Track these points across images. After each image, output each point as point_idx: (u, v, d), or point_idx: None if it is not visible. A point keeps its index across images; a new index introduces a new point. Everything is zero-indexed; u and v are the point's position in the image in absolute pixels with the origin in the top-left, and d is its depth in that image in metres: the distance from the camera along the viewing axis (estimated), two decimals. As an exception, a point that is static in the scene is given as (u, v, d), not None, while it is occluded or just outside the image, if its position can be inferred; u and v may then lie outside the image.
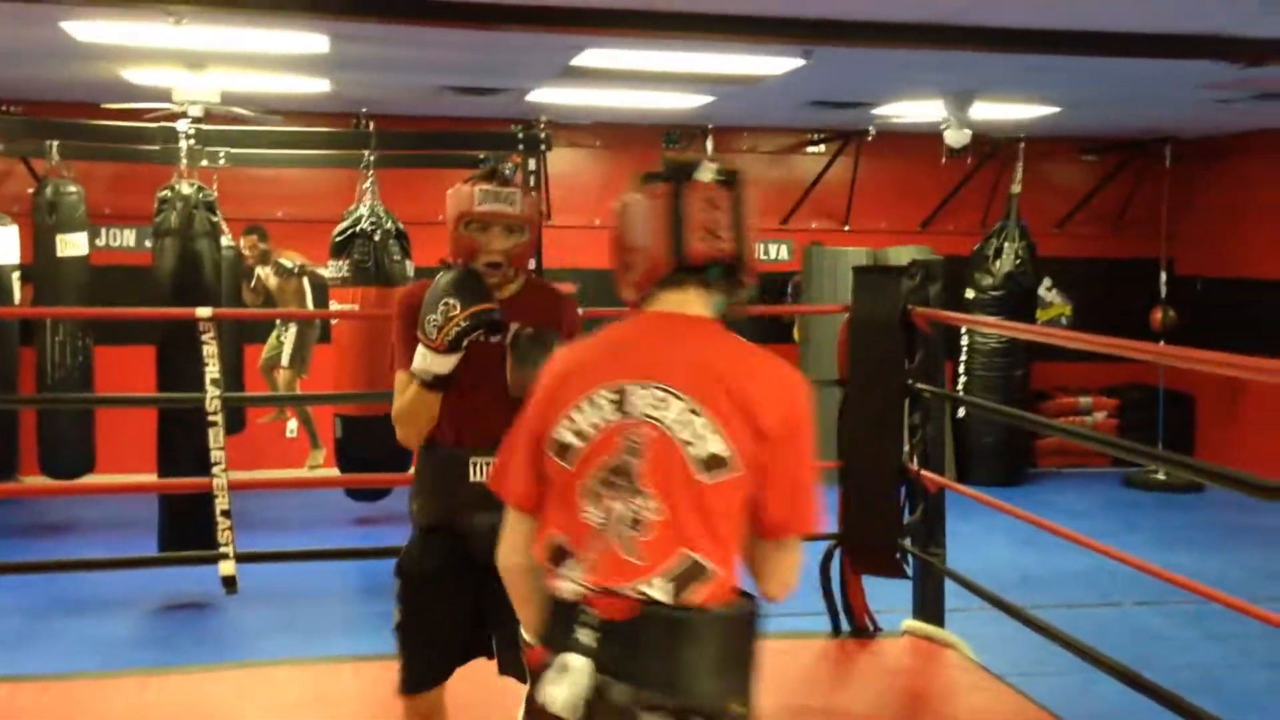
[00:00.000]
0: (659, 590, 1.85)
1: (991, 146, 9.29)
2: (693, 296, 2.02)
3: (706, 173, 2.02)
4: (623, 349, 1.99)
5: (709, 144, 9.35)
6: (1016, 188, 9.32)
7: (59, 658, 5.17)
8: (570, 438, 1.92)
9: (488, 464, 2.52)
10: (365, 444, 6.60)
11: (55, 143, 6.72)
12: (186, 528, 5.86)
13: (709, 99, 7.89)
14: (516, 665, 2.48)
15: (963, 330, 9.19)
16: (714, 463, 1.88)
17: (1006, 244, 9.24)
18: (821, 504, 2.05)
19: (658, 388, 1.91)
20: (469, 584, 2.77)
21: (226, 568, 4.35)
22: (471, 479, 2.76)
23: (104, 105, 7.23)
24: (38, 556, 6.63)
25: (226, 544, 4.36)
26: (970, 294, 9.23)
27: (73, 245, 6.88)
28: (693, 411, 1.89)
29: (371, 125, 8.56)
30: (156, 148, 6.37)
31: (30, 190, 7.29)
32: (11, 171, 8.38)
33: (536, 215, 2.94)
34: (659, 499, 1.87)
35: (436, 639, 2.82)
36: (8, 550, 6.95)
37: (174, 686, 4.16)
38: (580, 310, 4.25)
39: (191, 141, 6.07)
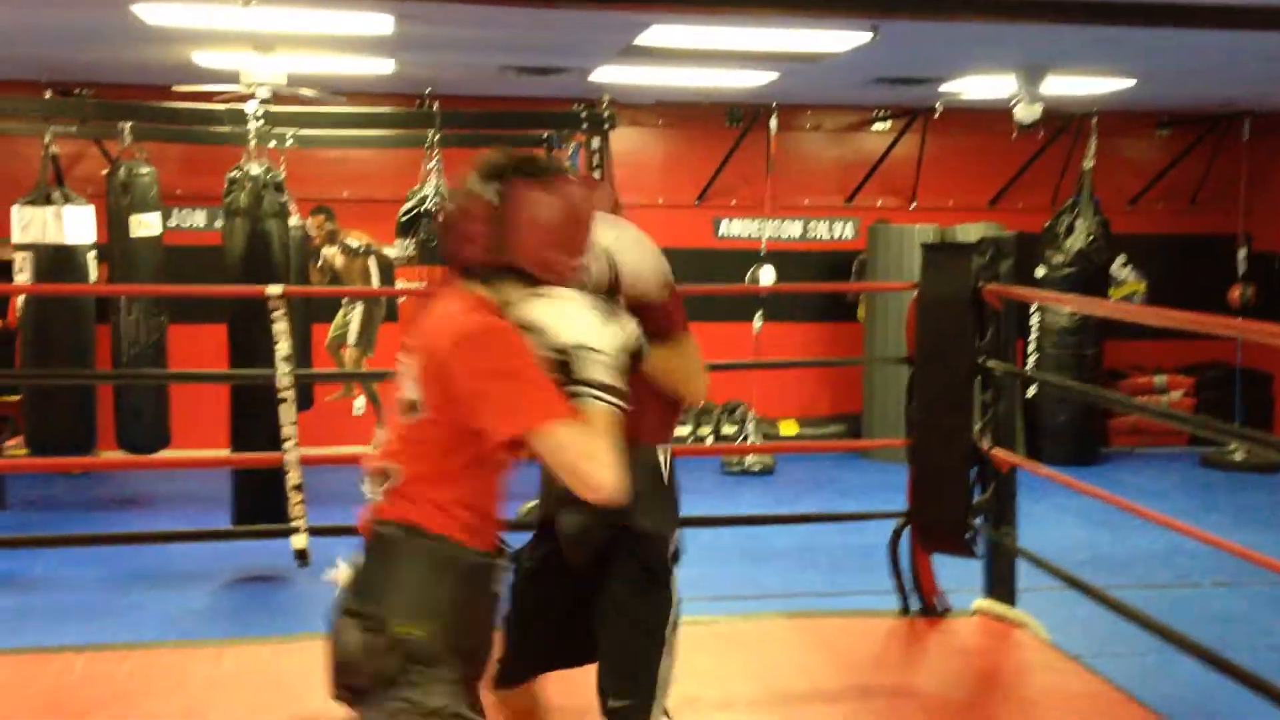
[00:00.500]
0: (376, 510, 2.18)
1: (1063, 121, 9.12)
2: (473, 286, 2.21)
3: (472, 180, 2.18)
4: (420, 323, 2.26)
5: (773, 122, 9.28)
6: (1089, 163, 9.15)
7: (137, 628, 5.28)
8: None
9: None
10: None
11: (128, 125, 6.82)
12: (259, 502, 5.95)
13: (773, 76, 7.83)
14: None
15: (1033, 309, 9.05)
16: (409, 407, 2.17)
17: (1079, 221, 9.08)
18: (543, 395, 2.07)
19: (410, 349, 2.21)
20: (567, 586, 2.69)
21: (299, 541, 4.39)
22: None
23: (174, 88, 7.33)
24: (115, 530, 6.77)
25: (298, 518, 4.41)
26: (1041, 272, 9.08)
27: (146, 225, 6.99)
28: (412, 363, 2.17)
29: (436, 105, 8.61)
30: (226, 129, 6.44)
31: (104, 172, 7.41)
32: (85, 154, 8.53)
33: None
34: (390, 433, 2.23)
35: (527, 636, 2.72)
36: (87, 523, 7.12)
37: (249, 657, 4.23)
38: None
39: (260, 123, 6.13)
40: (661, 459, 2.68)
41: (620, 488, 2.06)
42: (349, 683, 2.12)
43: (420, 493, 2.14)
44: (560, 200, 2.16)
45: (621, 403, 2.15)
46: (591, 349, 2.15)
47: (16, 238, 6.77)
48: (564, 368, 2.15)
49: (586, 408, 2.11)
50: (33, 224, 6.73)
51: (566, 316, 2.17)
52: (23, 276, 6.75)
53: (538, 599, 2.73)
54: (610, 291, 2.43)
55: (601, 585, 2.62)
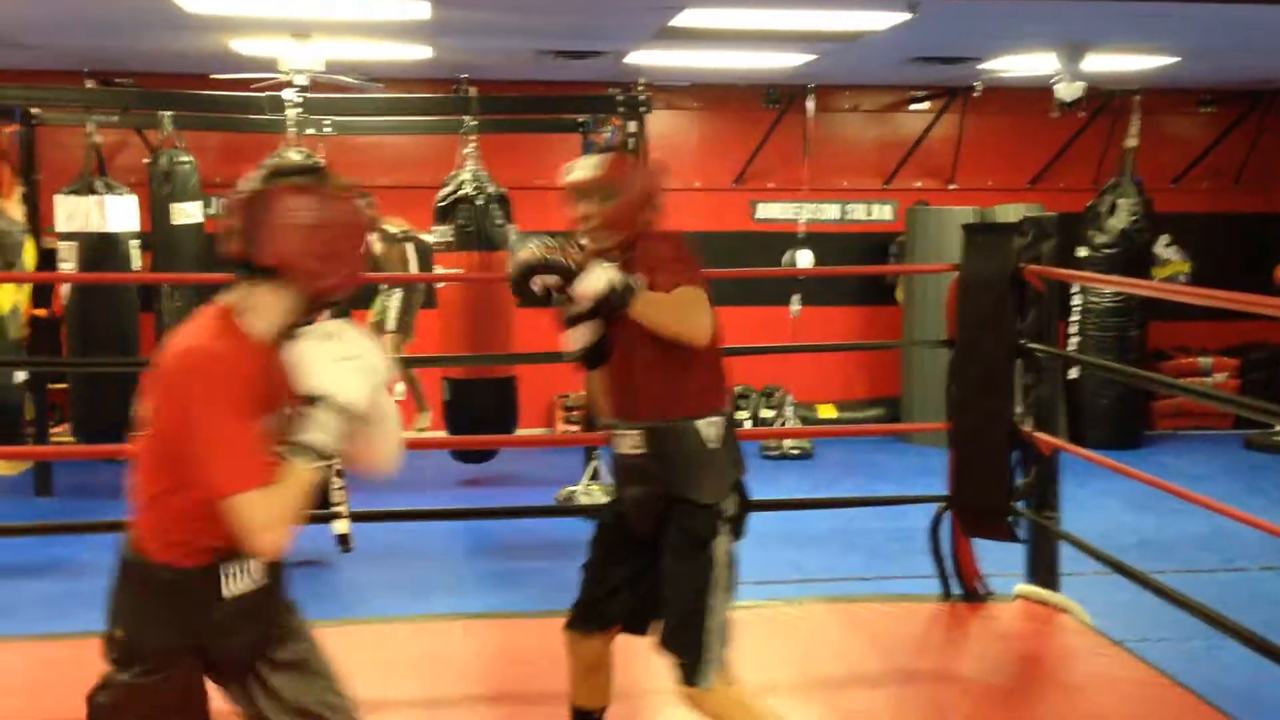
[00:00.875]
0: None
1: (1104, 99, 8.99)
2: (237, 288, 2.28)
3: (244, 184, 2.25)
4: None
5: (810, 103, 9.21)
6: (1131, 142, 9.02)
7: (181, 614, 5.33)
8: None
9: (625, 436, 2.88)
10: (471, 406, 6.68)
11: (168, 114, 6.88)
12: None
13: (810, 57, 7.77)
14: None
15: (1074, 289, 8.95)
16: (138, 422, 2.25)
17: (1121, 200, 8.96)
18: (247, 463, 2.13)
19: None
20: (635, 547, 2.97)
21: (341, 526, 4.43)
22: (619, 450, 2.96)
23: (213, 76, 7.38)
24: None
25: (341, 503, 4.44)
26: (1083, 252, 8.97)
27: (187, 214, 7.05)
28: (153, 380, 2.23)
29: (472, 91, 8.62)
30: (264, 117, 6.48)
31: (146, 161, 7.48)
32: (127, 142, 8.61)
33: (630, 178, 2.91)
34: (138, 448, 2.28)
35: (600, 582, 3.01)
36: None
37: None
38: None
39: (298, 110, 6.17)
40: (705, 429, 2.85)
41: (279, 545, 2.18)
42: None
43: (142, 514, 2.27)
44: (319, 206, 2.21)
45: (325, 463, 2.21)
46: (324, 403, 2.19)
47: (60, 227, 6.85)
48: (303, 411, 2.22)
49: (286, 467, 2.17)
50: (76, 213, 6.80)
51: (315, 359, 2.21)
52: (67, 265, 6.83)
53: (609, 547, 3.01)
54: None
55: (658, 553, 2.87)
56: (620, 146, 3.11)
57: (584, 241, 2.92)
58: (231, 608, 2.26)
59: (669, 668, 2.84)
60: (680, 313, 2.78)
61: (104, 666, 2.36)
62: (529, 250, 2.85)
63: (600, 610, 3.02)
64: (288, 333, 2.26)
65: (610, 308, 2.78)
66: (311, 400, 2.20)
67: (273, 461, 2.16)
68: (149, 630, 2.25)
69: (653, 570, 2.90)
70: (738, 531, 2.92)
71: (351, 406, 2.21)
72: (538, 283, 2.83)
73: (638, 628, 3.02)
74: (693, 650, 2.79)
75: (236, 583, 2.26)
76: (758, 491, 7.63)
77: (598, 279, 2.75)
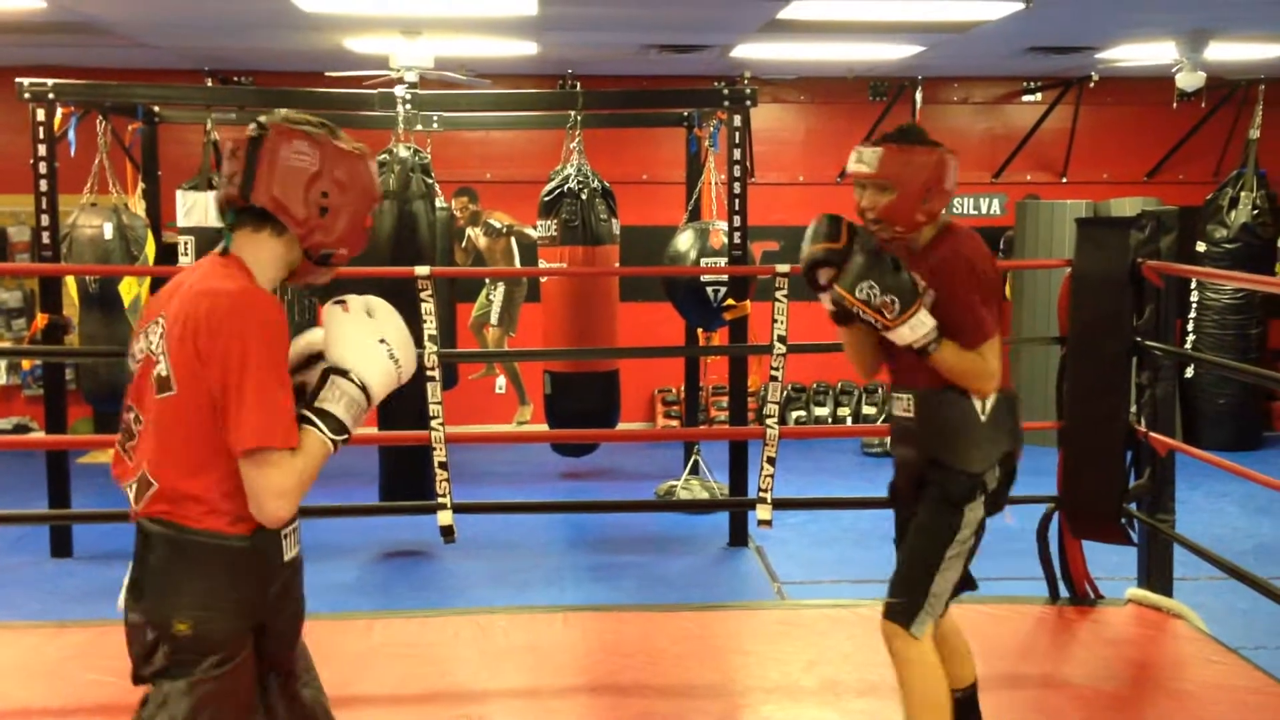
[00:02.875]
0: (132, 495, 2.12)
1: (1227, 89, 8.70)
2: (234, 237, 2.16)
3: (251, 126, 2.15)
4: (170, 286, 2.18)
5: (918, 95, 9.08)
6: (1255, 133, 8.71)
7: (291, 599, 5.46)
8: (130, 362, 2.19)
9: (899, 399, 3.03)
10: (573, 400, 6.72)
11: (283, 111, 7.03)
12: (406, 479, 6.11)
13: (919, 49, 7.65)
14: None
15: (1193, 286, 8.68)
16: (162, 384, 2.06)
17: (1243, 193, 8.66)
18: (283, 419, 2.02)
19: (161, 317, 2.11)
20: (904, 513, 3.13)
21: (445, 517, 4.49)
22: (893, 413, 3.11)
23: (327, 74, 7.54)
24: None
25: (444, 495, 4.50)
26: (1202, 247, 8.70)
27: (300, 209, 7.21)
28: (161, 336, 2.08)
29: (577, 86, 8.67)
30: (375, 113, 6.59)
31: (261, 157, 7.66)
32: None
33: (908, 171, 2.88)
34: (139, 413, 2.13)
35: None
36: (244, 497, 7.39)
37: (397, 630, 4.35)
38: (788, 267, 4.27)
39: (408, 106, 6.26)
40: (979, 403, 2.93)
41: (285, 517, 2.08)
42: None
43: (175, 485, 2.07)
44: (324, 155, 2.13)
45: (340, 439, 2.10)
46: (346, 377, 2.12)
47: (180, 221, 7.05)
48: (320, 379, 2.13)
49: (306, 436, 2.07)
50: (195, 208, 6.99)
51: (345, 330, 2.15)
52: (186, 259, 7.03)
53: (896, 517, 3.20)
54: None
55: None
56: (908, 131, 2.96)
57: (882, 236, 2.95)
58: (285, 575, 2.17)
59: (885, 607, 2.95)
60: (979, 372, 2.90)
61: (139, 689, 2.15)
62: (821, 242, 2.91)
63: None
64: (283, 289, 2.21)
65: (917, 352, 2.89)
66: (338, 372, 2.12)
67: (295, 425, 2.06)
68: (221, 612, 2.07)
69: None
70: (993, 506, 3.02)
71: (373, 392, 2.15)
72: (823, 275, 2.91)
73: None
74: (915, 593, 2.91)
75: (291, 548, 2.18)
76: (860, 488, 7.61)
77: (915, 332, 2.83)
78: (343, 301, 2.19)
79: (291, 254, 2.16)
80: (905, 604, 2.89)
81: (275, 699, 2.22)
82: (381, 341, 2.15)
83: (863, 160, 2.91)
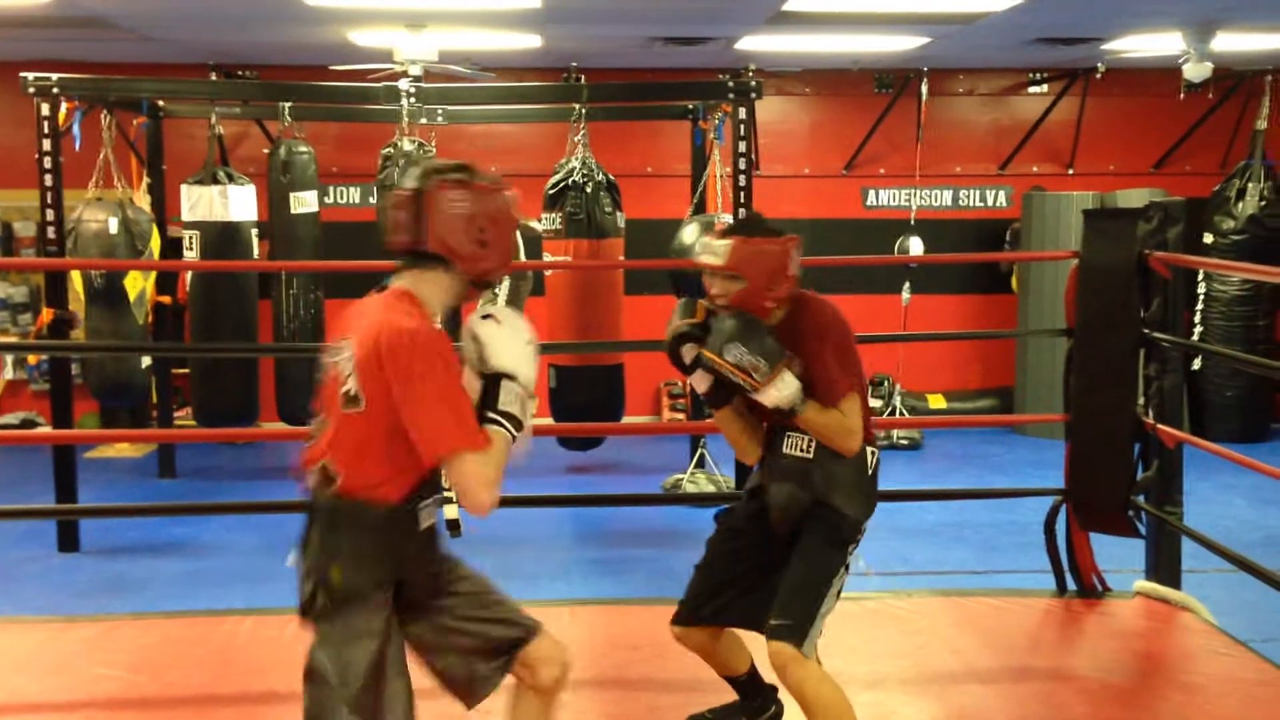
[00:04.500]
0: (311, 479, 2.54)
1: (1234, 80, 8.67)
2: (404, 275, 2.57)
3: (406, 179, 2.56)
4: (354, 313, 2.59)
5: (923, 87, 9.05)
6: (1262, 124, 8.68)
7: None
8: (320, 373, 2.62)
9: (794, 440, 3.08)
10: (579, 393, 6.71)
11: (288, 104, 7.03)
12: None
13: (925, 40, 7.63)
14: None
15: (1200, 278, 8.66)
16: (350, 400, 2.47)
17: (1250, 184, 8.63)
18: (472, 427, 2.44)
19: (348, 341, 2.51)
20: (761, 550, 3.17)
21: (451, 511, 4.48)
22: (783, 450, 3.12)
23: (331, 67, 7.53)
24: (278, 498, 7.03)
25: (450, 489, 4.50)
26: (1209, 239, 8.68)
27: (304, 203, 7.21)
28: (350, 359, 2.48)
29: (582, 79, 8.65)
30: (380, 107, 6.59)
31: (265, 151, 7.67)
32: (248, 133, 8.84)
33: (756, 262, 3.03)
34: (325, 418, 2.54)
35: (710, 582, 3.19)
36: (251, 491, 7.41)
37: (403, 624, 4.34)
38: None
39: (412, 100, 6.25)
40: (869, 456, 3.10)
41: (494, 504, 2.44)
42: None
43: (351, 476, 2.48)
44: (474, 198, 2.52)
45: (520, 432, 2.49)
46: (515, 380, 2.50)
47: (185, 216, 7.06)
48: (488, 386, 2.51)
49: (493, 435, 2.46)
50: (200, 203, 7.00)
51: (504, 340, 2.52)
52: (191, 254, 7.04)
53: (732, 551, 3.21)
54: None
55: (792, 550, 3.06)
56: (752, 223, 3.19)
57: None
58: (423, 541, 2.56)
59: (771, 630, 2.97)
60: (843, 428, 3.02)
61: (305, 631, 2.54)
62: (683, 321, 3.08)
63: (706, 611, 3.21)
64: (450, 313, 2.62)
65: (780, 414, 3.01)
66: (504, 377, 2.50)
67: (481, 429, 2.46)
68: (366, 566, 2.48)
69: (771, 576, 3.09)
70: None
71: (531, 386, 2.53)
72: (688, 354, 3.09)
73: (750, 622, 3.16)
74: (803, 616, 2.96)
75: (427, 519, 2.56)
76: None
77: (781, 392, 2.94)
78: (490, 316, 2.55)
79: (458, 284, 2.57)
80: (796, 625, 2.95)
81: (422, 630, 2.63)
82: (529, 343, 2.55)
83: (712, 252, 3.04)
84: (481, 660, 2.65)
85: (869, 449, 3.11)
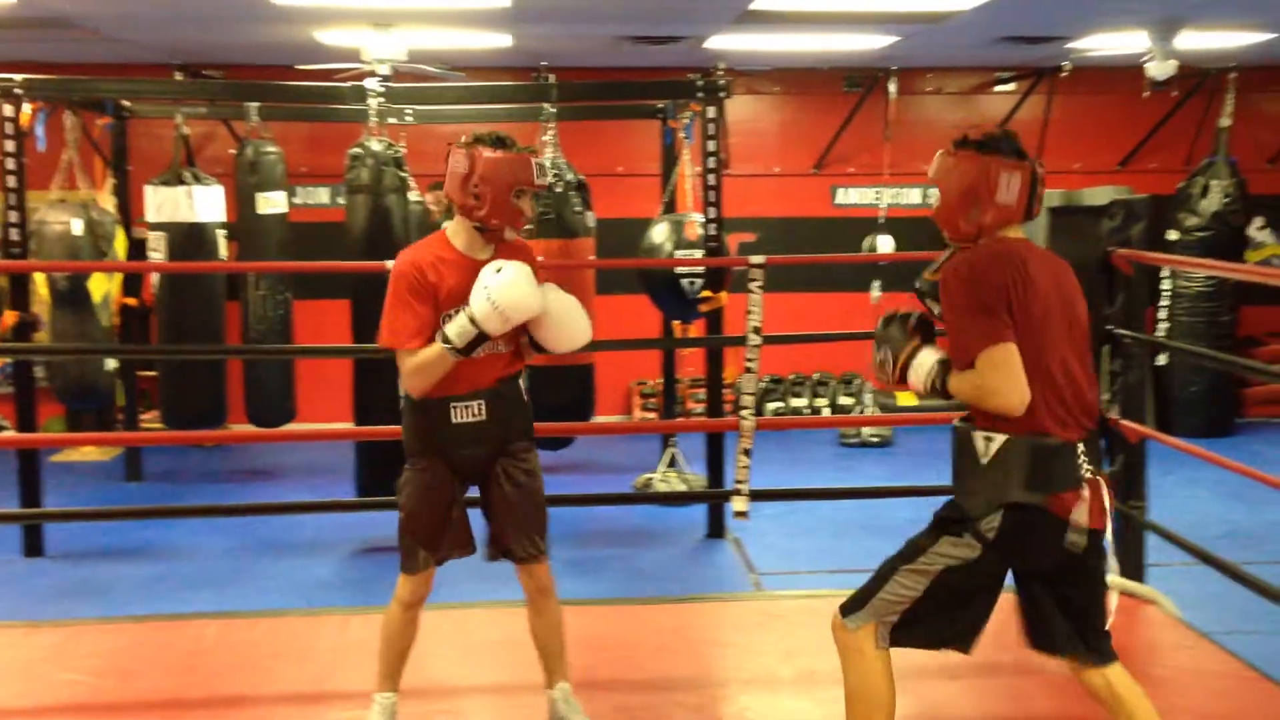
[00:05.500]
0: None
1: (1198, 78, 8.75)
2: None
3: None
4: None
5: (892, 86, 9.09)
6: (1225, 121, 8.76)
7: (267, 596, 5.45)
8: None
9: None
10: (549, 393, 6.69)
11: (255, 104, 6.98)
12: (382, 474, 6.07)
13: (893, 39, 7.67)
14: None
15: (1164, 274, 8.74)
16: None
17: (1214, 181, 8.71)
18: (396, 329, 3.19)
19: None
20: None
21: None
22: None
23: (298, 67, 7.49)
24: (245, 501, 7.00)
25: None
26: (1173, 235, 8.74)
27: (272, 203, 7.16)
28: None
29: (551, 78, 8.63)
30: (348, 106, 6.55)
31: (232, 151, 7.61)
32: (214, 134, 8.78)
33: (950, 178, 2.91)
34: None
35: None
36: (218, 494, 7.37)
37: (373, 626, 4.27)
38: (763, 259, 4.30)
39: (380, 99, 6.22)
40: (982, 444, 2.81)
41: (416, 391, 3.20)
42: None
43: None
44: (471, 160, 3.15)
45: (448, 347, 3.10)
46: (465, 312, 3.08)
47: (150, 217, 7.00)
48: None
49: (433, 346, 3.13)
50: (166, 204, 6.94)
51: (478, 285, 3.08)
52: (157, 255, 6.98)
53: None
54: None
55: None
56: (978, 139, 2.87)
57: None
58: (457, 431, 3.23)
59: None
60: (977, 391, 2.75)
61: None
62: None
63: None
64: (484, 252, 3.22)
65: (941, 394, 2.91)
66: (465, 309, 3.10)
67: (428, 337, 3.14)
68: (413, 439, 3.31)
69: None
70: (1001, 561, 2.85)
71: (479, 322, 3.06)
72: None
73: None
74: (868, 591, 2.90)
75: (460, 415, 3.22)
76: (838, 479, 7.62)
77: (918, 375, 2.88)
78: (492, 268, 3.11)
79: (470, 229, 3.22)
80: (857, 597, 2.91)
81: (493, 485, 3.36)
82: (487, 293, 3.05)
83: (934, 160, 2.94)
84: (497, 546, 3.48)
85: (1006, 437, 2.73)
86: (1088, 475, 2.76)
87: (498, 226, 3.18)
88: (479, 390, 3.22)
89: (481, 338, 3.10)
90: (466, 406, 3.22)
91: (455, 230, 3.25)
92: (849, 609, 2.89)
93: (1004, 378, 2.69)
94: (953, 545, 2.83)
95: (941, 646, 2.94)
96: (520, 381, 3.36)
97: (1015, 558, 2.83)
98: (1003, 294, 2.70)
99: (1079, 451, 2.76)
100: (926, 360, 2.86)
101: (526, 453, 3.38)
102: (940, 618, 2.87)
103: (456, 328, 3.10)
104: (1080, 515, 2.74)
